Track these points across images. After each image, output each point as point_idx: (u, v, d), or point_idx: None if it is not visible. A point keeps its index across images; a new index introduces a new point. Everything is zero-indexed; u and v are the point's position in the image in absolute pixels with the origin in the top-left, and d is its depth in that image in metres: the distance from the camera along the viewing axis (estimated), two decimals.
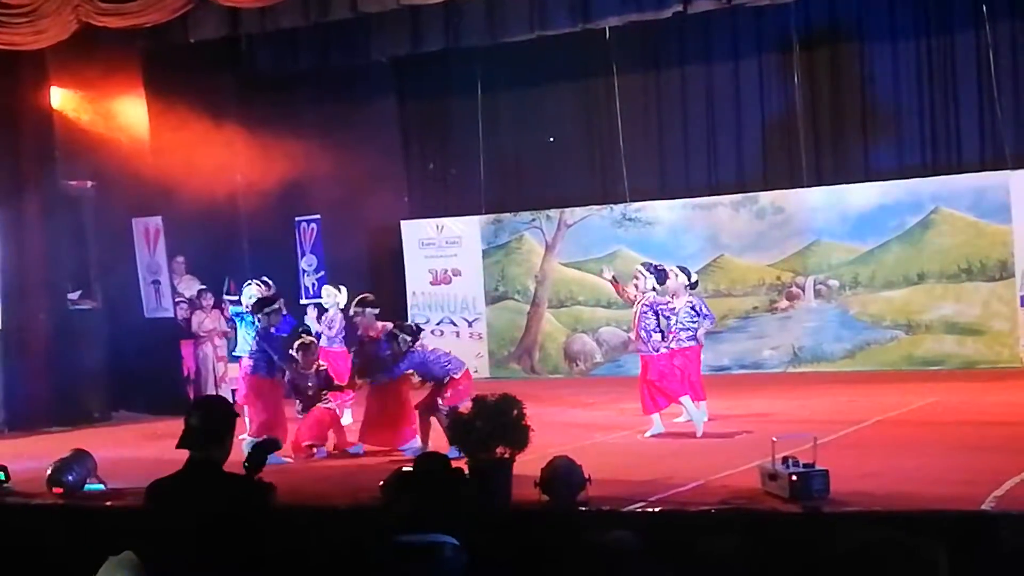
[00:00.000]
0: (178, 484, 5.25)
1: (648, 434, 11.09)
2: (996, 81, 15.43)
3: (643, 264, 11.72)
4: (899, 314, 15.80)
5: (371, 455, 10.86)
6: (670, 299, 11.40)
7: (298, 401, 11.33)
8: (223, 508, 5.12)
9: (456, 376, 10.92)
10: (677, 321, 11.35)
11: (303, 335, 11.69)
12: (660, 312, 11.16)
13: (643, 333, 11.12)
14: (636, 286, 11.32)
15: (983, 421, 10.86)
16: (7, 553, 8.44)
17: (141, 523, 5.42)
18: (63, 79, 14.97)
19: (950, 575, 5.16)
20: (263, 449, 5.59)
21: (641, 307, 11.18)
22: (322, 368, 11.43)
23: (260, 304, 11.43)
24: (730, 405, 11.99)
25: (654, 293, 11.22)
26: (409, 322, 11.54)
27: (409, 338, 11.01)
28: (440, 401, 10.74)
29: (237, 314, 13.59)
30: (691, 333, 11.58)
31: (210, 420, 5.33)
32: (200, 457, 5.25)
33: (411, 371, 11.14)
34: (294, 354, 11.29)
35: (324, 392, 11.30)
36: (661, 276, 11.35)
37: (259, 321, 11.21)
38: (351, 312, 11.67)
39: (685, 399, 11.14)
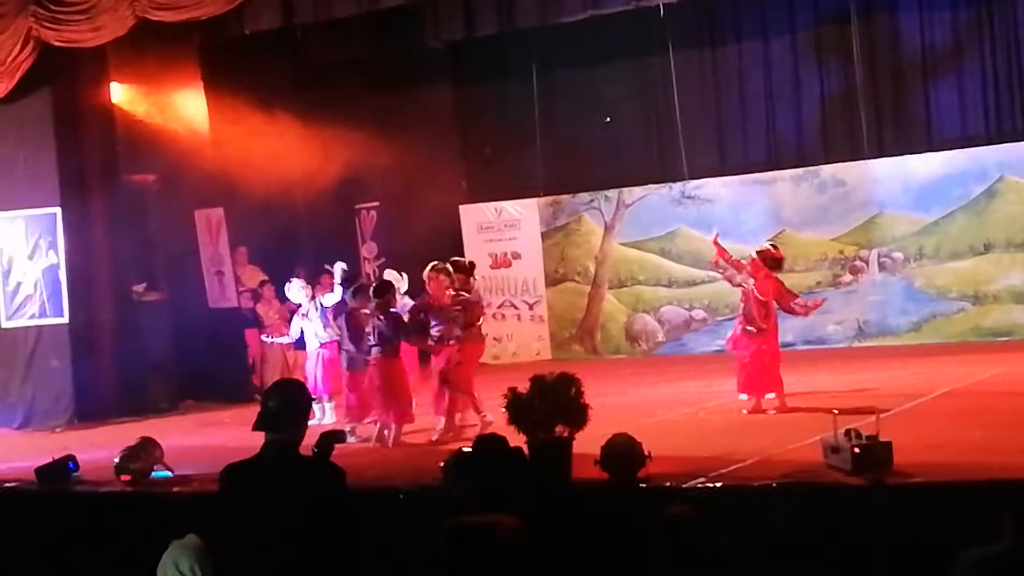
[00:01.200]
0: (255, 467, 5.30)
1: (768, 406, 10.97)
2: None
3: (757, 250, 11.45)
4: (965, 285, 15.56)
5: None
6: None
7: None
8: (302, 490, 5.17)
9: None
10: None
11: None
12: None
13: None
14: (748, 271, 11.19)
15: None
16: (78, 539, 8.62)
17: (214, 506, 5.47)
18: (123, 75, 15.16)
19: (1018, 543, 5.10)
20: (331, 439, 5.62)
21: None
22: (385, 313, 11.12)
23: (383, 288, 11.21)
24: (794, 381, 11.86)
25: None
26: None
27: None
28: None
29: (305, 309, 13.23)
30: None
31: (288, 402, 5.37)
32: (276, 439, 5.30)
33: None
34: (350, 299, 11.38)
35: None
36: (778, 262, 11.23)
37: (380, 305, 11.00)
38: (426, 276, 11.20)
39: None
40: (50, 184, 14.61)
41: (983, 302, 15.47)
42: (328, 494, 5.24)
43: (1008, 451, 7.79)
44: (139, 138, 15.30)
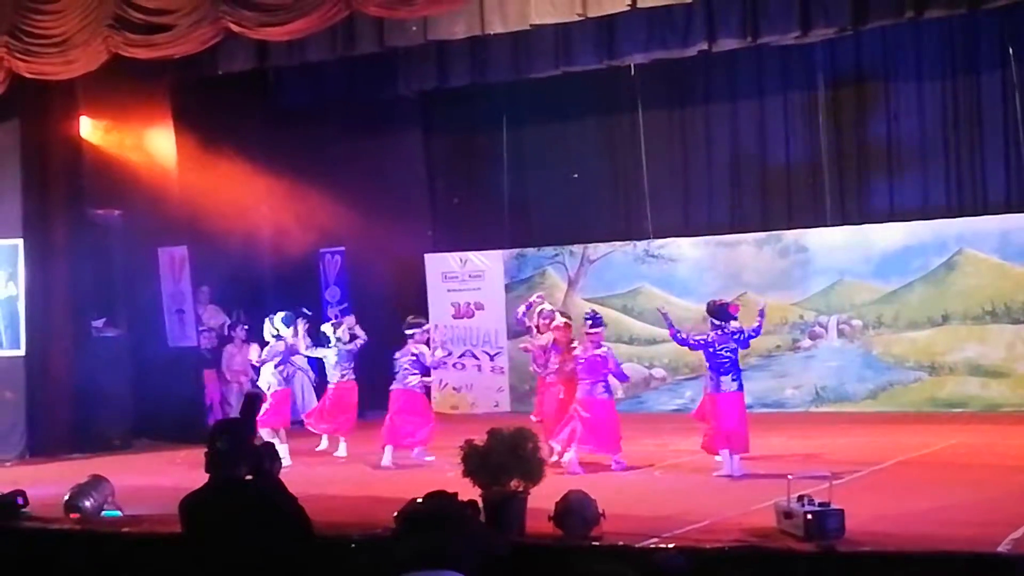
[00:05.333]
0: (213, 506, 5.37)
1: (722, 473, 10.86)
2: (1022, 122, 15.36)
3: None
4: (922, 355, 15.69)
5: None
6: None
7: None
8: (259, 524, 5.25)
9: None
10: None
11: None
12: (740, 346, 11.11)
13: (724, 371, 11.00)
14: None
15: (1003, 465, 10.77)
16: None
17: (179, 543, 5.65)
18: (93, 109, 15.13)
19: None
20: (253, 402, 5.91)
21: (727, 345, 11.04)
22: None
23: None
24: (751, 444, 11.91)
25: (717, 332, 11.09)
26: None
27: None
28: None
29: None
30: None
31: (236, 442, 5.46)
32: (228, 477, 5.38)
33: None
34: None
35: None
36: (724, 312, 11.27)
37: None
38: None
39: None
40: (13, 215, 14.51)
41: (939, 373, 15.61)
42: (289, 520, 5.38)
43: (957, 523, 7.86)
44: (106, 173, 15.24)
